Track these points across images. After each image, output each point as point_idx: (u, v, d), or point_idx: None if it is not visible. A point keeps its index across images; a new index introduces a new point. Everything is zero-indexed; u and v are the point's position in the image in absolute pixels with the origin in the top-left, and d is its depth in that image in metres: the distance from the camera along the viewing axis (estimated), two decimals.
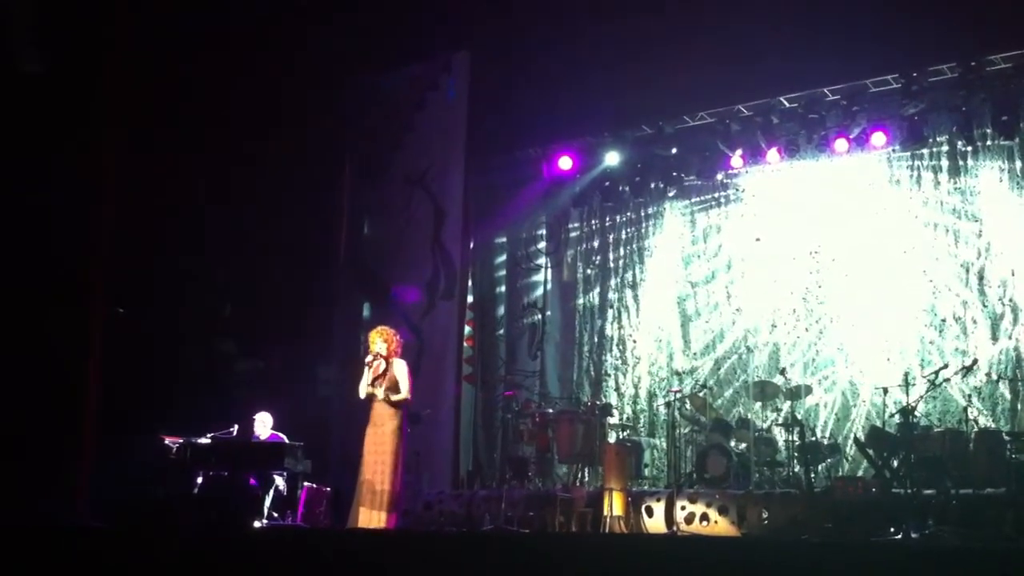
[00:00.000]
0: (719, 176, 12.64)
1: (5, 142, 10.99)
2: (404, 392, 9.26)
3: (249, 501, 10.33)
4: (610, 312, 13.22)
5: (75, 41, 11.38)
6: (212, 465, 10.52)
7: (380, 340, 9.37)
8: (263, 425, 11.26)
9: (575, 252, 13.66)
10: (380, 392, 9.23)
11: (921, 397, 9.54)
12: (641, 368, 12.85)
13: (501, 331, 13.76)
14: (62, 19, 11.35)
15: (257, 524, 10.01)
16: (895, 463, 9.38)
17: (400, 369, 9.30)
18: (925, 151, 11.43)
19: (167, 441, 10.71)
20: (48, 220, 11.21)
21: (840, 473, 10.54)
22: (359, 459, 9.29)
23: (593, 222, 13.57)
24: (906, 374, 9.84)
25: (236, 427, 10.99)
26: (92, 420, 11.25)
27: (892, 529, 8.51)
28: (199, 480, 10.57)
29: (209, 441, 10.70)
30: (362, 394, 9.32)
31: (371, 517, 9.06)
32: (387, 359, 9.32)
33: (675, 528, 9.86)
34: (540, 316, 13.50)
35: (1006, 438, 9.54)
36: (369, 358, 9.35)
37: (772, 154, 11.95)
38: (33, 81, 11.09)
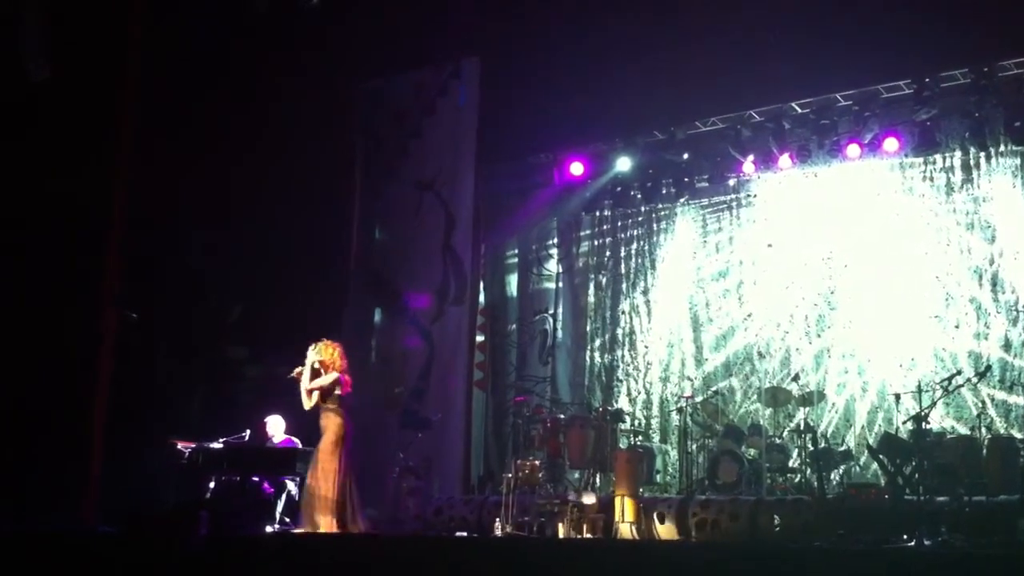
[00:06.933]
0: (731, 181, 12.62)
1: (19, 147, 11.05)
2: (310, 385, 9.47)
3: (261, 506, 10.35)
4: (621, 317, 13.20)
5: (88, 45, 11.44)
6: (224, 470, 10.55)
7: (314, 353, 9.62)
8: (276, 428, 11.29)
9: (586, 257, 13.65)
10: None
11: (934, 403, 9.49)
12: (653, 374, 12.83)
13: (512, 336, 13.75)
14: (74, 24, 11.41)
15: (269, 528, 10.03)
16: (908, 470, 9.34)
17: (325, 377, 9.53)
18: (938, 156, 11.39)
19: (179, 446, 10.75)
20: (60, 225, 11.27)
21: (852, 479, 10.51)
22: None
23: (604, 227, 13.56)
24: (919, 381, 9.81)
25: (248, 432, 11.02)
26: (102, 425, 11.28)
27: (905, 536, 8.47)
28: (211, 485, 10.61)
29: (221, 446, 10.73)
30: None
31: (316, 522, 9.22)
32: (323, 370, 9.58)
33: (687, 534, 9.84)
34: (551, 321, 13.51)
35: (1019, 445, 9.50)
36: (300, 370, 9.59)
37: (784, 159, 11.93)
38: (48, 85, 11.16)
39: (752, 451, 10.94)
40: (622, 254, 13.38)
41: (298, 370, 9.61)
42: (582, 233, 13.71)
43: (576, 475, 11.60)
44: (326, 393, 9.50)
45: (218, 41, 12.36)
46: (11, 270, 10.92)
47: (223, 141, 12.60)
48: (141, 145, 11.84)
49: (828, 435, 11.09)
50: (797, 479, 10.63)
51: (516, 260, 14.05)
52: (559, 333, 13.45)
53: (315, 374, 9.57)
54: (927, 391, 9.54)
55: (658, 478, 11.55)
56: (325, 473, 9.32)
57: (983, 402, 10.55)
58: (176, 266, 12.74)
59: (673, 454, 12.03)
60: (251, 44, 12.65)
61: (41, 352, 10.95)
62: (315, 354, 9.60)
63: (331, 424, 9.48)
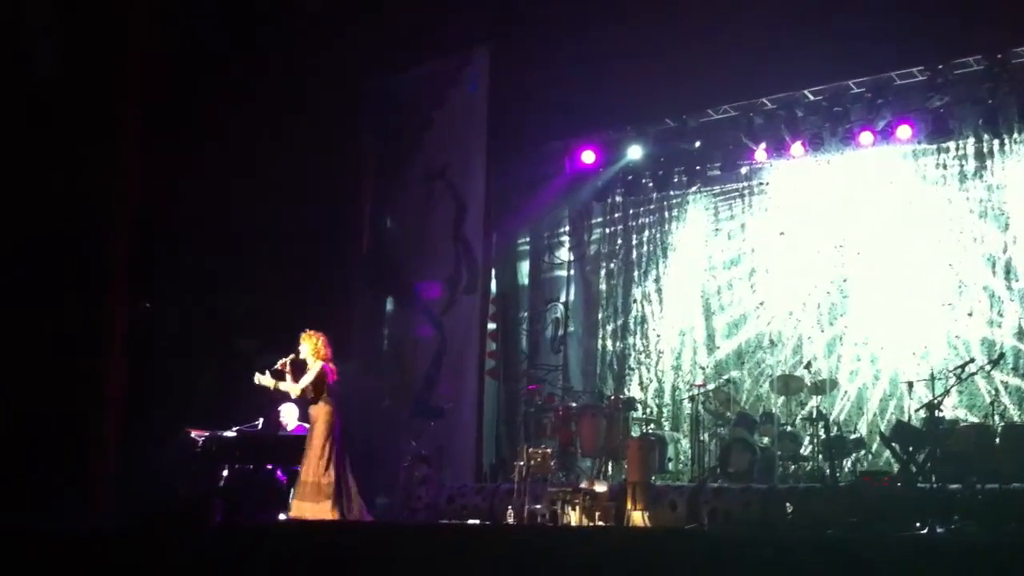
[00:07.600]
0: (743, 170, 12.58)
1: (29, 141, 11.07)
2: (296, 387, 9.62)
3: (275, 494, 10.40)
4: (633, 306, 13.19)
5: (90, 45, 11.44)
6: (238, 458, 10.59)
7: (304, 344, 9.73)
8: (289, 416, 11.33)
9: (598, 245, 13.65)
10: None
11: (947, 391, 9.47)
12: (664, 362, 12.82)
13: (524, 325, 13.77)
14: (75, 24, 11.42)
15: (282, 516, 10.07)
16: (920, 457, 9.33)
17: (311, 370, 9.64)
18: (951, 144, 11.33)
19: (193, 435, 10.80)
20: (71, 217, 11.29)
21: (865, 468, 10.50)
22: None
23: (616, 215, 13.54)
24: (932, 368, 9.78)
25: (261, 420, 11.06)
26: (115, 415, 11.32)
27: (917, 524, 8.46)
28: (225, 473, 10.65)
29: (235, 435, 10.78)
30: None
31: (312, 509, 9.36)
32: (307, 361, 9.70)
33: (698, 523, 9.85)
34: (563, 310, 13.52)
35: None
36: (284, 360, 9.68)
37: (796, 147, 11.89)
38: (50, 85, 11.18)
39: (764, 439, 10.94)
40: (634, 242, 13.37)
41: (282, 361, 9.71)
42: (593, 221, 13.70)
43: (588, 463, 11.63)
44: (314, 384, 9.62)
45: (221, 39, 12.34)
46: (16, 267, 10.94)
47: (230, 139, 12.59)
48: (154, 138, 11.85)
49: (840, 423, 11.08)
50: (809, 467, 10.63)
51: (527, 248, 14.06)
52: (571, 321, 13.46)
53: (301, 365, 9.66)
54: (940, 379, 9.53)
55: (670, 466, 11.56)
56: (318, 461, 9.47)
57: (996, 389, 10.52)
58: (187, 260, 12.76)
59: (685, 442, 12.03)
60: (255, 41, 12.64)
61: (51, 348, 10.98)
62: (303, 346, 9.74)
63: (320, 414, 9.61)
